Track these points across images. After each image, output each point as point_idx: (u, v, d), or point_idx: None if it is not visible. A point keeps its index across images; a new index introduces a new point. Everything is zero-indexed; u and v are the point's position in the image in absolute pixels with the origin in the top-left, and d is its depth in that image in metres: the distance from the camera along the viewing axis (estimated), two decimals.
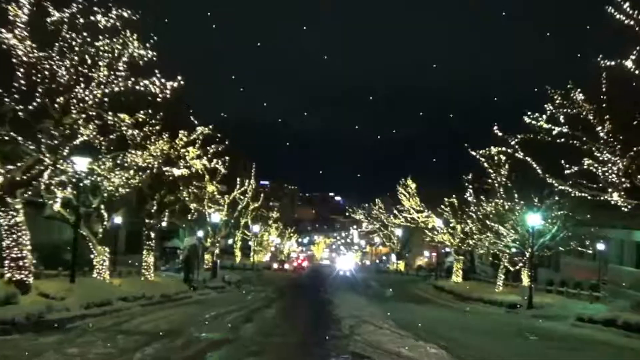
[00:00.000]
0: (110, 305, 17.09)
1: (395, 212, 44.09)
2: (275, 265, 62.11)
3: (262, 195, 59.60)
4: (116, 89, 12.78)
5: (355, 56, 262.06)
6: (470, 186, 29.15)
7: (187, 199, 25.15)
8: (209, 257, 38.54)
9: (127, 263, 34.32)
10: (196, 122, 25.97)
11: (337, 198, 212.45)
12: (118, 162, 16.24)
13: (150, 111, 14.26)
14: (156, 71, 12.81)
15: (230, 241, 65.79)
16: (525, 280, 28.79)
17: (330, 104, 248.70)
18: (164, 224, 49.25)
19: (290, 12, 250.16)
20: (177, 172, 20.93)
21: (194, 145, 25.56)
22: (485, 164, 28.58)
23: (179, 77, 12.79)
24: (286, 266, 63.57)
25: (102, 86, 12.65)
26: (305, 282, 46.81)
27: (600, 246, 32.08)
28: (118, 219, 35.89)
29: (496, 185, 28.54)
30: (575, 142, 17.82)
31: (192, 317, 16.82)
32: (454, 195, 40.03)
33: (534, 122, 18.30)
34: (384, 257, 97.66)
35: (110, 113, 13.43)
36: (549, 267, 46.40)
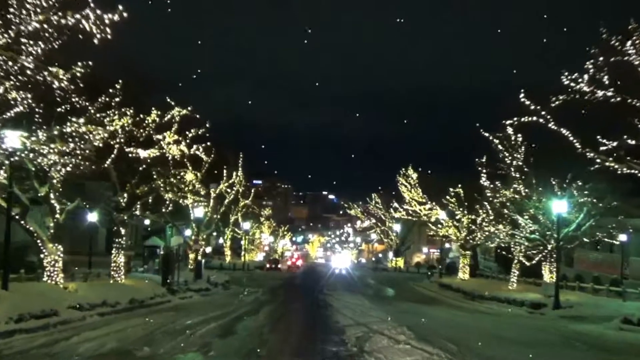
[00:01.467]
0: (56, 316, 13.73)
1: (396, 204, 40.81)
2: (268, 265, 58.57)
3: (252, 191, 56.26)
4: (34, 23, 9.41)
5: (350, 54, 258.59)
6: (484, 170, 25.83)
7: (161, 188, 21.71)
8: (194, 256, 35.16)
9: (107, 265, 30.92)
10: (173, 103, 22.70)
11: (331, 196, 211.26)
12: (56, 133, 12.82)
13: (89, 63, 10.87)
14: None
15: (221, 240, 62.50)
16: (547, 276, 25.60)
17: (324, 104, 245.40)
18: (146, 222, 46.77)
19: (289, 11, 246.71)
20: (143, 153, 17.53)
21: (171, 129, 22.30)
22: (500, 146, 25.38)
23: (120, 7, 9.41)
24: (279, 265, 60.03)
25: (15, 18, 9.28)
26: (299, 282, 43.47)
27: (622, 237, 29.03)
28: (94, 217, 32.69)
29: (512, 169, 25.34)
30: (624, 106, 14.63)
31: (157, 329, 13.48)
32: (459, 185, 36.91)
33: (572, 83, 15.08)
34: (380, 255, 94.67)
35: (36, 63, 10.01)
36: (559, 262, 43.30)
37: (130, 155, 17.61)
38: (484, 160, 25.87)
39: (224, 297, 26.92)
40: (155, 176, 21.57)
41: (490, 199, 26.89)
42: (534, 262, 29.48)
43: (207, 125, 23.67)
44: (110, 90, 14.96)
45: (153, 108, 20.18)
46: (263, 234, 72.43)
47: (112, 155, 17.95)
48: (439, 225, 39.16)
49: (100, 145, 15.54)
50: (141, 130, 17.49)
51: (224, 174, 36.82)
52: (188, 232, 56.64)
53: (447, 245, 75.10)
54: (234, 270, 47.86)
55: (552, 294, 24.64)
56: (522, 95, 17.16)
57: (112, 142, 15.95)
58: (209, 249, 65.83)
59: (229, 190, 36.98)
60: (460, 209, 36.82)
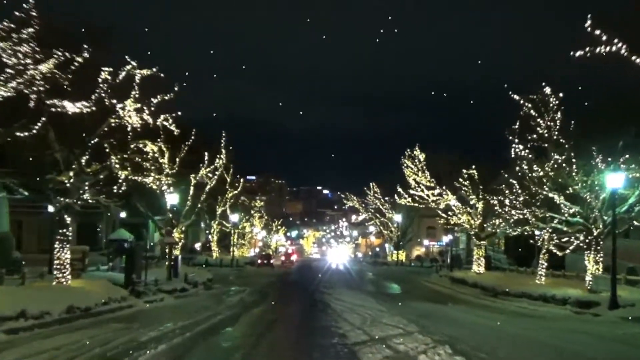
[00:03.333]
0: None
1: (400, 190, 36.28)
2: (259, 260, 53.92)
3: (241, 180, 51.64)
4: None
5: (345, 50, 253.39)
6: (516, 140, 21.23)
7: (116, 165, 17.04)
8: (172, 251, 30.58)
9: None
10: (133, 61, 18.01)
11: (325, 191, 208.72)
12: None
13: None
14: None
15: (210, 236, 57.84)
16: (592, 268, 21.18)
17: (318, 99, 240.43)
18: (122, 215, 42.00)
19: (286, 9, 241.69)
20: (70, 106, 12.91)
21: (130, 93, 17.68)
22: (533, 112, 20.90)
23: None
24: (272, 261, 55.37)
25: None
26: (294, 279, 38.97)
27: None
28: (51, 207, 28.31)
29: (548, 138, 20.87)
30: None
31: (81, 354, 8.97)
32: (473, 167, 32.47)
33: None
34: (377, 249, 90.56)
35: None
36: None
37: (53, 109, 12.90)
38: (516, 126, 21.24)
39: (203, 299, 22.39)
40: (107, 149, 16.92)
41: (522, 174, 22.34)
42: (567, 251, 25.29)
43: (176, 88, 18.98)
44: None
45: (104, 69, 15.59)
46: (255, 227, 67.75)
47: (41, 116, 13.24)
48: (449, 213, 34.70)
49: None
50: (69, 76, 12.76)
51: (206, 158, 32.13)
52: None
53: (450, 236, 71.39)
54: (220, 266, 43.26)
55: (598, 289, 20.38)
56: (588, 22, 12.59)
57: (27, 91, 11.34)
58: (198, 245, 61.34)
59: (210, 175, 32.26)
60: (475, 194, 32.42)
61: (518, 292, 24.00)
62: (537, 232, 27.76)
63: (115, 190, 17.06)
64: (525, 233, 28.51)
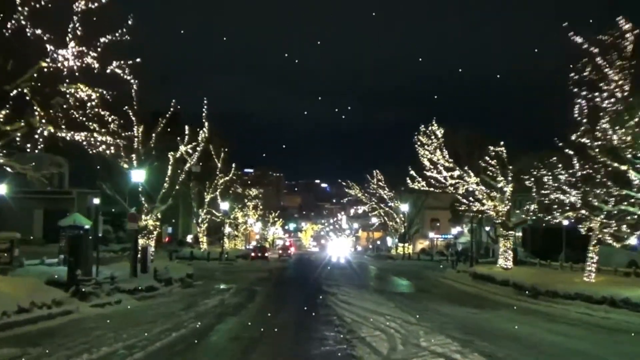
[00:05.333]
0: None
1: (412, 172, 31.10)
2: (253, 253, 48.83)
3: (233, 165, 46.61)
4: None
5: (341, 44, 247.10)
6: (583, 92, 16.08)
7: (38, 116, 12.06)
8: (144, 241, 25.70)
9: (39, 255, 21.59)
10: None
11: (323, 185, 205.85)
12: None
13: None
14: None
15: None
16: None
17: (315, 93, 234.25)
18: (96, 201, 36.93)
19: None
20: None
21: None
22: (600, 60, 15.88)
23: None
24: (267, 254, 50.30)
25: None
26: (290, 275, 34.06)
27: None
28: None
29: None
30: None
31: None
32: (502, 143, 27.54)
33: None
34: (378, 242, 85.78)
35: None
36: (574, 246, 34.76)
37: None
38: (585, 72, 16.09)
39: (172, 302, 17.48)
40: (26, 95, 11.92)
41: (578, 146, 17.33)
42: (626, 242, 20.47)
43: (130, 21, 13.97)
44: None
45: None
46: (249, 218, 62.64)
47: None
48: (470, 199, 29.74)
49: None
50: None
51: (186, 132, 27.11)
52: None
53: (459, 228, 66.45)
54: (208, 260, 38.25)
55: None
56: None
57: None
58: (190, 237, 56.21)
59: (190, 152, 27.15)
60: (503, 175, 27.50)
61: (570, 293, 19.12)
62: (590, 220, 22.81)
63: (28, 149, 12.02)
64: (555, 222, 23.74)
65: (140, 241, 26.18)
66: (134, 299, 17.85)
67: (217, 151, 43.65)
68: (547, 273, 27.06)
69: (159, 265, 23.98)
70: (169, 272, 22.37)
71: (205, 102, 25.48)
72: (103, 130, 14.31)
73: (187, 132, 27.27)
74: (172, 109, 25.91)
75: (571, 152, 17.74)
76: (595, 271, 21.34)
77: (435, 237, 70.39)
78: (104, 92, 12.57)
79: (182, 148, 27.08)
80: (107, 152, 15.09)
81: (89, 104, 12.64)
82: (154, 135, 25.44)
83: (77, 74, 13.26)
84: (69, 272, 15.93)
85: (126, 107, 21.00)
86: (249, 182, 64.07)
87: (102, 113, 12.71)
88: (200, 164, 34.83)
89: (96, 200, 37.01)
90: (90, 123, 13.54)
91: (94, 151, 14.14)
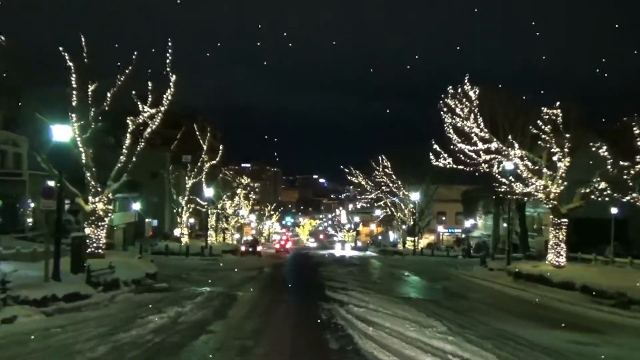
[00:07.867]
0: None
1: (436, 146, 24.66)
2: (243, 248, 42.45)
3: (221, 147, 40.45)
4: None
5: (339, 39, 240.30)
6: None
7: None
8: (91, 230, 19.61)
9: None
10: None
11: (321, 180, 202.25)
12: None
13: None
14: None
15: (192, 220, 46.78)
16: None
17: (314, 88, 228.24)
18: (51, 183, 30.85)
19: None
20: None
21: None
22: None
23: None
24: (260, 248, 43.96)
25: None
26: (285, 274, 27.86)
27: None
28: None
29: None
30: None
31: None
32: (557, 104, 21.39)
33: None
34: (380, 237, 79.99)
35: None
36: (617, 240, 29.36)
37: None
38: None
39: (97, 319, 11.40)
40: None
41: None
42: None
43: None
44: None
45: None
46: (240, 209, 56.39)
47: None
48: (511, 178, 23.64)
49: None
50: None
51: (149, 94, 20.72)
52: (136, 206, 40.89)
53: (472, 221, 60.55)
54: (186, 255, 32.08)
55: None
56: None
57: None
58: (177, 232, 50.13)
59: (156, 116, 20.78)
60: (559, 147, 21.40)
61: None
62: None
63: None
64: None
65: (88, 230, 20.21)
66: (43, 313, 11.77)
67: (202, 131, 37.84)
68: (613, 272, 21.10)
69: (118, 262, 17.77)
70: (114, 273, 16.19)
71: (169, 44, 19.08)
72: None
73: (165, 100, 20.78)
74: (134, 61, 19.68)
75: None
76: None
77: (442, 231, 64.75)
78: None
79: (149, 110, 20.67)
80: None
81: None
82: (108, 93, 19.49)
83: None
84: None
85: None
86: (246, 172, 58.79)
87: None
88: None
89: (51, 183, 30.80)
90: None
91: None
